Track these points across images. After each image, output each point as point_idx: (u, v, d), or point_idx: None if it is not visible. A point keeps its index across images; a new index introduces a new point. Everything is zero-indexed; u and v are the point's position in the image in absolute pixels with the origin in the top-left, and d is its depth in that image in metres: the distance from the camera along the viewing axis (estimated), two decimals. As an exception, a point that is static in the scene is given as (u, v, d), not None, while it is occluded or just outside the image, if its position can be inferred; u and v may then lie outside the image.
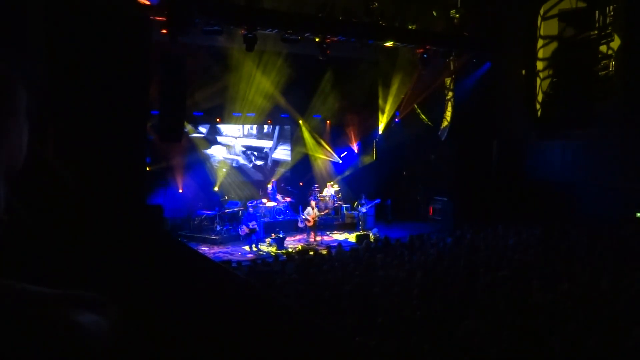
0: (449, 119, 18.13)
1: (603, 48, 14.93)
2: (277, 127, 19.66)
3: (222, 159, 18.59)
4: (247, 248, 14.63)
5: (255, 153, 19.30)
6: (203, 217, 16.22)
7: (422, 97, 18.44)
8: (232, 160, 18.86)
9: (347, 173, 20.06)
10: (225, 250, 14.69)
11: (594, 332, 5.45)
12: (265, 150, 19.56)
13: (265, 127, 19.43)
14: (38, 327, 0.74)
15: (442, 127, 18.39)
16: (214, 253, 14.04)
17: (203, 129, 18.30)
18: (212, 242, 15.33)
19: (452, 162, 17.84)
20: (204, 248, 14.54)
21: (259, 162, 19.51)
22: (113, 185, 4.68)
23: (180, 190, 17.04)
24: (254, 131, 19.29)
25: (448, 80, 18.20)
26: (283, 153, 19.93)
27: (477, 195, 16.64)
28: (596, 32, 15.16)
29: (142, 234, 4.54)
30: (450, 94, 18.13)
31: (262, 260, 11.38)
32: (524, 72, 16.88)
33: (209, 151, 18.38)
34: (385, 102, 18.98)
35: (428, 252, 10.74)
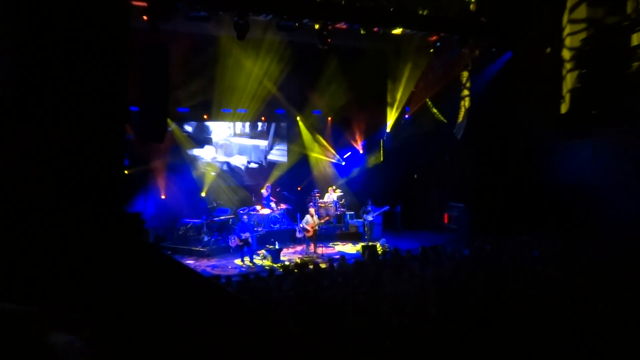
0: (464, 114, 18.12)
1: (636, 37, 14.94)
2: (273, 125, 19.68)
3: (210, 161, 18.60)
4: (238, 261, 14.59)
5: (246, 160, 19.31)
6: (188, 226, 16.20)
7: (435, 91, 18.45)
8: (223, 163, 18.87)
9: (351, 176, 20.06)
10: (213, 263, 14.65)
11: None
12: (261, 148, 19.58)
13: (260, 124, 19.45)
14: (12, 349, 0.72)
15: (457, 123, 18.38)
16: (200, 267, 14.00)
17: (189, 128, 18.32)
18: (199, 255, 15.30)
19: (469, 164, 17.83)
20: (189, 261, 14.51)
21: (253, 165, 19.52)
22: (86, 192, 4.65)
23: (163, 196, 17.03)
24: (247, 129, 19.31)
25: (464, 72, 18.20)
26: (279, 153, 19.95)
27: (497, 201, 16.61)
28: (629, 19, 15.16)
29: (121, 246, 4.51)
30: (467, 86, 18.14)
31: (256, 275, 11.33)
32: (548, 62, 16.88)
33: (195, 152, 18.39)
34: (393, 96, 19.00)
35: (443, 266, 10.69)
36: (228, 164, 19.06)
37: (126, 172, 14.99)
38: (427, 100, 19.07)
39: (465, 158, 18.15)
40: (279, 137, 19.90)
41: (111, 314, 3.48)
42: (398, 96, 18.93)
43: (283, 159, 20.01)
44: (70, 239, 4.04)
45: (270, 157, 19.88)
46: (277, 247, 15.00)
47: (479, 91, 17.42)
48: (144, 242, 6.13)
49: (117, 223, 4.63)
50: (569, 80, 16.72)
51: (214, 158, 18.73)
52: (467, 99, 18.13)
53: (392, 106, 19.27)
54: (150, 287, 3.97)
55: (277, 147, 19.95)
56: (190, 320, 3.84)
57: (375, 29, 15.70)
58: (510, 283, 8.81)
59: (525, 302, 7.83)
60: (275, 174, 19.40)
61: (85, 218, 4.33)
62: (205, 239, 15.71)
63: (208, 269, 13.83)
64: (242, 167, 19.32)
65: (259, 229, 16.34)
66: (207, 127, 18.66)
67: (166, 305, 3.93)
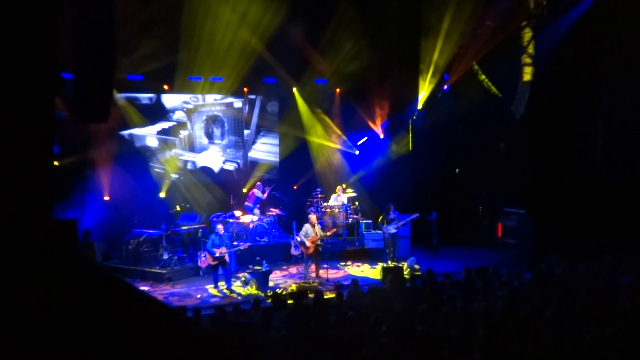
0: (527, 86, 18.09)
1: None
2: (257, 103, 19.67)
3: (171, 152, 18.63)
4: (211, 288, 14.60)
5: (221, 158, 19.38)
6: (141, 239, 16.23)
7: (486, 52, 18.40)
8: (187, 161, 18.92)
9: (367, 171, 20.06)
10: (176, 290, 14.64)
11: None
12: (242, 142, 19.62)
13: (237, 102, 19.44)
14: None
15: (516, 98, 18.35)
16: (158, 295, 14.04)
17: (143, 101, 18.36)
18: (156, 279, 15.28)
19: (532, 155, 17.80)
20: (142, 287, 14.55)
21: (228, 166, 19.55)
22: (2, 191, 4.68)
23: (107, 197, 17.06)
24: (219, 108, 19.33)
25: (525, 28, 18.15)
26: (266, 150, 19.98)
27: (571, 207, 16.59)
28: None
29: (49, 270, 4.51)
30: (529, 47, 18.08)
31: (234, 307, 11.33)
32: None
33: (150, 137, 18.41)
34: (428, 58, 18.97)
35: (495, 296, 10.66)
36: (194, 163, 19.10)
37: (55, 163, 15.05)
38: (475, 65, 19.02)
39: (527, 146, 18.11)
40: (266, 120, 19.89)
41: (34, 349, 3.49)
42: (434, 59, 18.90)
43: (271, 158, 20.04)
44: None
45: (253, 154, 19.88)
46: (264, 268, 15.01)
47: (547, 52, 17.36)
48: (84, 262, 6.13)
49: (42, 235, 4.63)
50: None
51: (176, 152, 18.78)
52: (529, 63, 18.07)
53: (425, 73, 19.24)
54: (95, 321, 3.97)
55: (263, 139, 19.95)
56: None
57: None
58: (592, 323, 8.78)
59: (607, 344, 7.81)
60: (258, 174, 19.43)
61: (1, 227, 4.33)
62: (165, 256, 15.73)
63: (169, 299, 13.87)
64: (216, 170, 19.37)
65: (240, 244, 16.37)
66: (166, 103, 18.69)
67: (116, 343, 3.93)
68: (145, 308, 4.64)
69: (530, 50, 17.96)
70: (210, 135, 19.22)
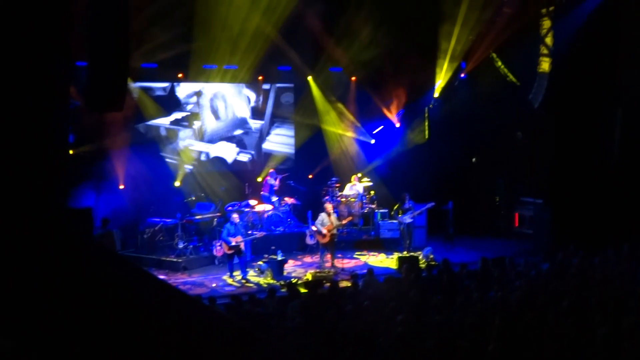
0: (545, 70, 17.96)
1: None
2: (272, 94, 19.64)
3: (186, 143, 18.63)
4: (226, 278, 14.67)
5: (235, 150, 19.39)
6: (157, 227, 16.32)
7: (504, 39, 18.27)
8: (201, 152, 18.93)
9: (383, 160, 20.02)
10: (191, 280, 14.74)
11: None
12: (253, 129, 19.59)
13: (252, 100, 19.42)
14: None
15: (534, 86, 18.23)
16: (173, 284, 14.11)
17: (157, 91, 18.41)
18: (172, 267, 15.40)
19: (550, 143, 17.69)
20: (159, 276, 14.63)
21: (242, 157, 19.57)
22: (12, 180, 4.69)
23: (122, 186, 17.13)
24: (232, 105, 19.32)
25: (544, 13, 18.00)
26: (280, 141, 19.98)
27: (589, 197, 16.49)
28: None
29: (66, 258, 4.55)
30: (548, 34, 17.94)
31: (250, 296, 11.37)
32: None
33: (164, 127, 18.45)
34: (446, 46, 18.84)
35: (512, 287, 10.62)
36: (208, 154, 19.12)
37: (70, 152, 15.14)
38: (492, 52, 18.89)
39: (544, 135, 18.00)
40: (281, 111, 19.85)
41: (54, 339, 3.53)
42: (451, 46, 18.77)
43: (286, 149, 20.03)
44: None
45: (267, 145, 19.89)
46: (279, 257, 15.05)
47: (566, 39, 17.21)
48: (102, 249, 6.17)
49: (58, 224, 4.66)
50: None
51: (190, 143, 18.81)
52: (547, 50, 17.93)
53: (442, 61, 19.13)
54: (108, 310, 4.00)
55: (277, 130, 19.94)
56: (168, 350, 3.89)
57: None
58: (608, 314, 8.73)
59: (625, 336, 7.76)
60: (272, 164, 19.42)
61: (13, 218, 4.35)
62: (181, 245, 15.81)
63: (183, 287, 13.94)
64: (229, 161, 19.37)
65: (255, 233, 16.40)
66: (179, 92, 18.69)
67: (138, 342, 3.96)
68: (164, 295, 4.67)
69: (549, 40, 17.81)
70: (215, 113, 19.16)
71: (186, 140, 18.75)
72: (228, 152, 19.37)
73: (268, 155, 19.82)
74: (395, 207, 17.35)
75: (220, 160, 19.26)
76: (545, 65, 17.89)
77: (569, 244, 13.56)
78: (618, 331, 7.94)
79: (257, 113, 19.69)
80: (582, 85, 16.86)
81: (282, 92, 19.88)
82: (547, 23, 17.89)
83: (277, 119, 19.95)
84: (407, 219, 16.89)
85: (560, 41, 17.45)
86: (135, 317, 4.21)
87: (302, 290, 12.25)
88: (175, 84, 18.54)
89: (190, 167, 18.51)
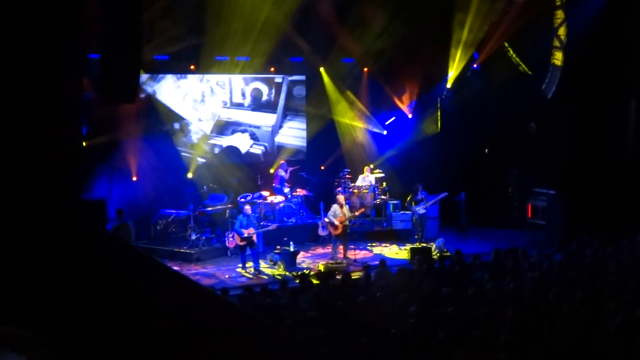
0: (558, 64, 17.87)
1: None
2: (284, 87, 19.61)
3: (200, 136, 18.62)
4: (239, 269, 14.74)
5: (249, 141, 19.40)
6: (170, 219, 16.39)
7: (517, 29, 18.17)
8: (215, 145, 18.96)
9: (395, 151, 19.99)
10: (204, 271, 14.82)
11: None
12: (265, 128, 19.61)
13: (265, 93, 19.42)
14: None
15: (547, 76, 18.15)
16: (186, 275, 14.18)
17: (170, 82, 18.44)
18: (184, 259, 15.48)
19: (563, 134, 17.61)
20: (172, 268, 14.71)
21: (255, 149, 19.59)
22: (27, 173, 4.72)
23: (134, 178, 17.20)
24: (247, 100, 19.28)
25: (558, 4, 17.88)
26: (292, 133, 19.99)
27: (603, 187, 16.42)
28: None
29: (80, 248, 4.59)
30: (562, 14, 17.81)
31: (262, 287, 11.43)
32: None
33: (180, 117, 18.48)
34: (458, 36, 18.76)
35: (525, 278, 10.63)
36: (220, 146, 19.14)
37: (84, 144, 15.21)
38: (505, 43, 18.79)
39: (557, 126, 17.91)
40: (293, 104, 19.85)
41: (70, 331, 3.57)
42: (464, 37, 18.69)
43: (298, 141, 20.03)
44: (10, 238, 4.12)
45: (280, 138, 19.93)
46: (292, 249, 15.09)
47: (580, 28, 17.10)
48: (115, 241, 6.22)
49: (72, 215, 4.69)
50: None
51: (204, 135, 18.82)
52: (560, 40, 17.82)
53: (455, 51, 19.04)
54: (125, 300, 4.04)
55: (289, 122, 19.96)
56: (182, 342, 3.92)
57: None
58: (622, 304, 8.72)
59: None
60: (284, 156, 19.41)
61: (27, 210, 4.39)
62: (193, 236, 15.87)
63: (196, 278, 14.00)
64: (242, 152, 19.39)
65: (268, 224, 16.45)
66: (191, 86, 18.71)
67: (148, 330, 4.00)
68: (178, 287, 4.70)
69: (562, 33, 17.69)
70: (229, 105, 19.15)
71: (200, 132, 18.76)
72: (242, 142, 19.37)
73: (280, 147, 19.82)
74: (409, 197, 17.35)
75: (233, 152, 19.23)
76: (558, 57, 17.80)
77: (583, 235, 13.55)
78: (632, 321, 7.94)
79: (270, 106, 19.67)
80: (596, 75, 16.80)
81: (295, 85, 19.85)
82: (560, 14, 17.78)
83: (289, 112, 19.93)
84: (421, 209, 16.88)
85: (574, 32, 17.36)
86: (148, 308, 4.24)
87: (315, 281, 12.28)
88: (188, 75, 18.54)
89: (203, 160, 18.54)
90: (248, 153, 19.48)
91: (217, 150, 19.03)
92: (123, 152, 17.09)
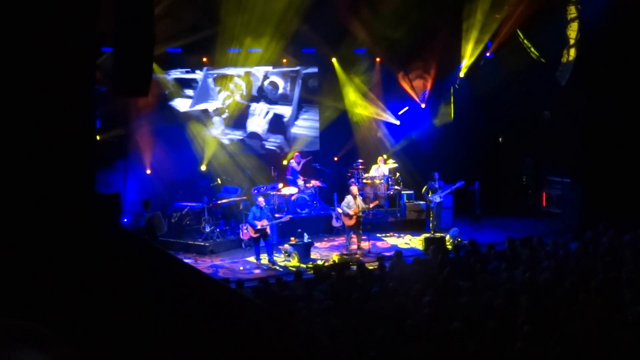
0: (573, 51, 17.73)
1: None
2: (299, 81, 19.59)
3: (214, 127, 18.65)
4: (252, 260, 14.79)
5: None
6: (184, 212, 16.46)
7: (529, 16, 18.05)
8: (228, 139, 19.01)
9: (408, 141, 19.96)
10: (218, 262, 14.89)
11: None
12: (285, 119, 19.64)
13: (281, 87, 19.44)
14: None
15: (561, 64, 18.02)
16: (201, 267, 14.24)
17: (182, 75, 18.49)
18: (199, 251, 15.55)
19: (579, 122, 17.50)
20: (186, 260, 14.77)
21: (271, 142, 19.61)
22: (41, 167, 4.74)
23: (148, 171, 17.27)
24: (263, 93, 19.28)
25: (572, 6, 17.73)
26: (306, 125, 20.01)
27: (620, 175, 16.32)
28: None
29: (98, 241, 4.60)
30: (575, 10, 17.67)
31: (277, 279, 11.47)
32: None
33: (191, 112, 18.53)
34: (471, 24, 18.67)
35: (540, 267, 10.60)
36: (233, 138, 19.20)
37: (98, 137, 15.28)
38: (518, 31, 18.67)
39: (572, 113, 17.80)
40: (307, 96, 19.84)
41: (89, 327, 3.59)
42: (477, 25, 18.60)
43: (311, 132, 20.04)
44: (27, 232, 4.16)
45: (295, 130, 19.94)
46: (306, 240, 15.12)
47: (595, 14, 16.95)
48: (129, 234, 6.26)
49: (86, 209, 4.72)
50: None
51: (219, 130, 18.88)
52: (575, 27, 17.67)
53: (468, 40, 18.95)
54: (140, 295, 4.06)
55: (304, 115, 19.97)
56: (195, 336, 3.93)
57: None
58: (639, 293, 8.68)
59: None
60: (297, 147, 19.44)
61: (42, 204, 4.42)
62: (208, 229, 15.93)
63: (211, 270, 14.08)
64: (258, 144, 19.42)
65: (282, 216, 16.48)
66: (207, 75, 18.72)
67: (163, 321, 4.02)
68: (192, 280, 4.72)
69: (574, 27, 17.53)
70: (243, 99, 19.18)
71: (214, 125, 18.79)
72: (257, 134, 19.43)
73: (294, 139, 19.85)
74: (424, 187, 17.32)
75: (247, 145, 19.28)
76: (569, 55, 17.65)
77: (598, 223, 13.49)
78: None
79: (285, 99, 19.70)
80: (611, 61, 16.66)
81: (309, 78, 19.83)
82: (572, 10, 17.65)
83: (304, 104, 19.94)
84: (437, 198, 16.84)
85: (587, 15, 17.21)
86: (163, 302, 4.26)
87: (329, 272, 12.30)
88: (203, 69, 18.57)
89: (217, 152, 18.56)
90: (263, 146, 19.51)
91: (228, 142, 19.06)
92: (137, 145, 17.17)
